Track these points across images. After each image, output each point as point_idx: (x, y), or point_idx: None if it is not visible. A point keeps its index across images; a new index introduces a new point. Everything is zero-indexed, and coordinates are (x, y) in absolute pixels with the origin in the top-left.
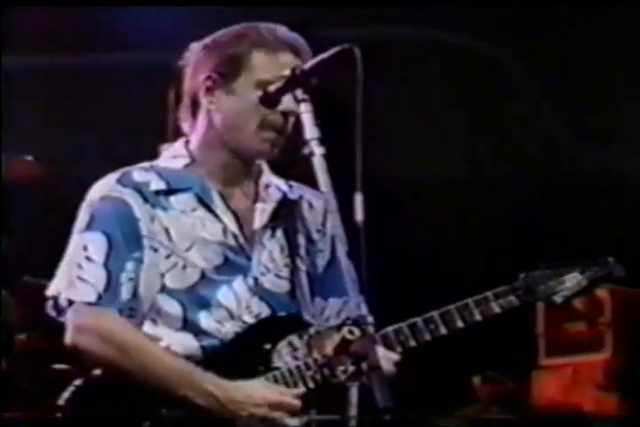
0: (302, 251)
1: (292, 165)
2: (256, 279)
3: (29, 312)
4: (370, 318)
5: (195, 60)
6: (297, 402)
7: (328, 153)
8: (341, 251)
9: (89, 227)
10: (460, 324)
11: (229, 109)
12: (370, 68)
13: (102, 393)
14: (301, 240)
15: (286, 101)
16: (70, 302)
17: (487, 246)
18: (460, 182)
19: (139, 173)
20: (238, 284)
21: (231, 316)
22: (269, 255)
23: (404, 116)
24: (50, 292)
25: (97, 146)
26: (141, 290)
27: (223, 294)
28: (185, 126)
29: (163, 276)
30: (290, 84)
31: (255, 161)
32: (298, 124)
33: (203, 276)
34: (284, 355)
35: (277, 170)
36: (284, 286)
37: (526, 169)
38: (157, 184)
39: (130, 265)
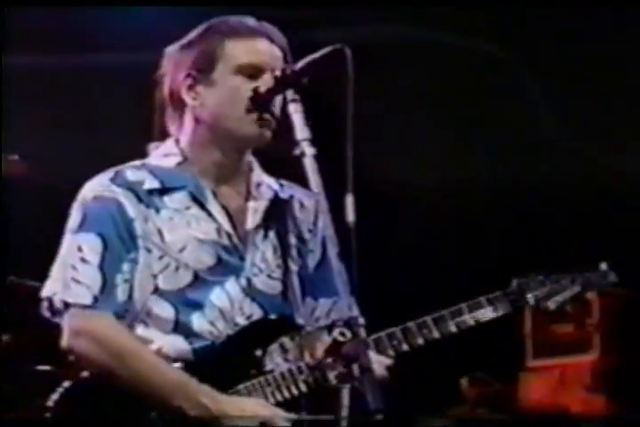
0: (294, 251)
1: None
2: (249, 280)
3: (14, 313)
4: (361, 320)
5: (172, 62)
6: (286, 424)
7: (319, 154)
8: (332, 252)
9: (83, 227)
10: (453, 329)
11: (213, 101)
12: (363, 68)
13: (92, 395)
14: (293, 240)
15: (265, 80)
16: (66, 304)
17: (480, 250)
18: (454, 184)
19: (132, 171)
20: (231, 285)
21: (224, 317)
22: (262, 256)
23: (398, 117)
24: (44, 293)
25: (96, 146)
26: (135, 291)
27: (216, 296)
28: (172, 129)
29: (156, 277)
30: (280, 84)
31: (247, 157)
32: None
33: (196, 277)
34: (276, 357)
35: (268, 169)
36: (276, 287)
37: (524, 171)
38: (151, 183)
39: (125, 266)
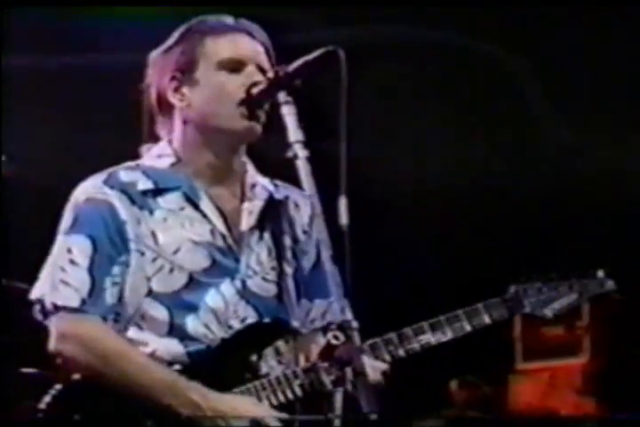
0: (289, 253)
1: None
2: (244, 282)
3: (6, 315)
4: (354, 323)
5: (156, 68)
6: (277, 424)
7: (312, 156)
8: (326, 255)
9: (73, 229)
10: (450, 334)
11: (199, 100)
12: (360, 68)
13: (84, 397)
14: (288, 242)
15: (248, 72)
16: (54, 307)
17: (476, 254)
18: (451, 186)
19: (125, 173)
20: (226, 287)
21: (218, 320)
22: (257, 258)
23: (394, 118)
24: (34, 295)
25: (96, 146)
26: (127, 294)
27: (211, 298)
28: (163, 133)
29: (149, 280)
30: (273, 85)
31: (241, 157)
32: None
33: (190, 279)
34: (270, 360)
35: (262, 170)
36: (270, 289)
37: (523, 172)
38: (145, 184)
39: (115, 269)
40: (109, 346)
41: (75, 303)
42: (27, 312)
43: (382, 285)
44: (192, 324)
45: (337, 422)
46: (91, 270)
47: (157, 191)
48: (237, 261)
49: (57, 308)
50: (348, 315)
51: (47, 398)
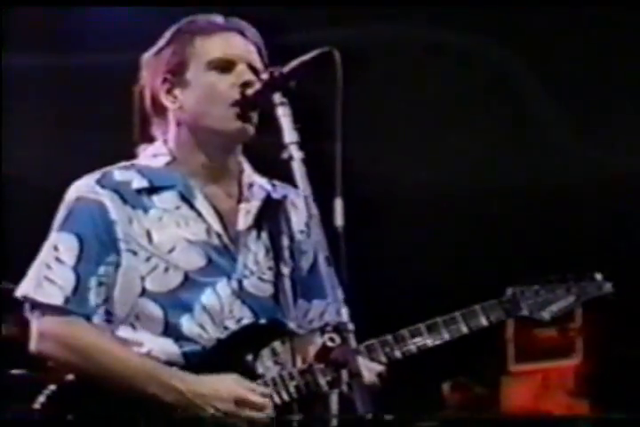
0: (286, 253)
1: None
2: (240, 282)
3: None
4: (350, 326)
5: (149, 70)
6: (263, 400)
7: (307, 157)
8: (321, 257)
9: (62, 227)
10: (446, 336)
11: (191, 101)
12: (354, 68)
13: (78, 396)
14: (285, 242)
15: (239, 71)
16: (39, 304)
17: (474, 256)
18: (449, 188)
19: (119, 172)
20: (222, 286)
21: (213, 320)
22: (254, 258)
23: (391, 118)
24: (19, 292)
25: (96, 146)
26: (118, 294)
27: (207, 297)
28: (158, 134)
29: (143, 279)
30: (268, 86)
31: (237, 157)
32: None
33: (186, 278)
34: (266, 361)
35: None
36: (267, 289)
37: (522, 172)
38: (139, 182)
39: (101, 269)
40: (88, 342)
41: (58, 301)
42: (19, 312)
43: (379, 286)
44: (187, 324)
45: (333, 422)
46: (76, 269)
47: (152, 190)
48: (234, 260)
49: (40, 305)
50: (344, 317)
51: (42, 399)
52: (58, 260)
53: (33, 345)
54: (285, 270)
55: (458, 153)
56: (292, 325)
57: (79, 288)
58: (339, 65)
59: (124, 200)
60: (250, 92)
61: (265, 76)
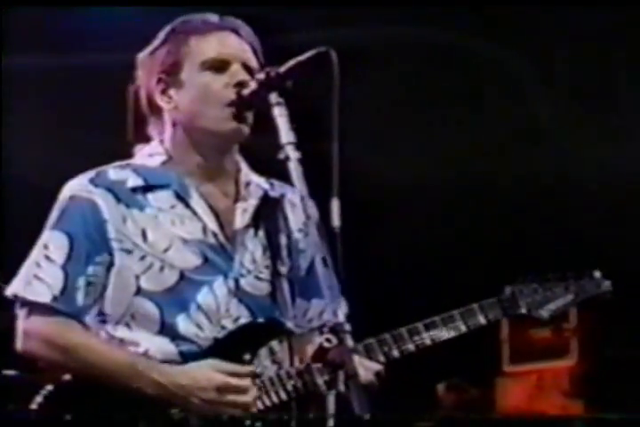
0: (284, 252)
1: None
2: (237, 281)
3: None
4: (347, 326)
5: (144, 70)
6: (245, 382)
7: (304, 157)
8: (318, 257)
9: (54, 226)
10: (445, 335)
11: (186, 101)
12: (351, 68)
13: (76, 397)
14: (283, 240)
15: (233, 71)
16: (27, 302)
17: (472, 255)
18: (447, 187)
19: (114, 171)
20: (218, 285)
21: (210, 319)
22: (251, 257)
23: (390, 119)
24: (9, 291)
25: (96, 146)
26: (112, 294)
27: (203, 296)
28: (154, 134)
29: (138, 278)
30: (264, 86)
31: (233, 157)
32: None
33: (182, 277)
34: (264, 360)
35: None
36: (263, 288)
37: (522, 172)
38: (135, 181)
39: (90, 269)
40: (70, 339)
41: (46, 299)
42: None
43: (376, 285)
44: (183, 323)
45: (330, 422)
46: (65, 267)
47: (147, 188)
48: (231, 259)
49: (28, 303)
50: (341, 317)
51: (39, 399)
52: (48, 258)
53: (19, 344)
54: (283, 269)
55: (457, 153)
56: (289, 324)
57: (67, 287)
58: (335, 65)
59: (118, 199)
60: (245, 92)
61: (261, 75)
